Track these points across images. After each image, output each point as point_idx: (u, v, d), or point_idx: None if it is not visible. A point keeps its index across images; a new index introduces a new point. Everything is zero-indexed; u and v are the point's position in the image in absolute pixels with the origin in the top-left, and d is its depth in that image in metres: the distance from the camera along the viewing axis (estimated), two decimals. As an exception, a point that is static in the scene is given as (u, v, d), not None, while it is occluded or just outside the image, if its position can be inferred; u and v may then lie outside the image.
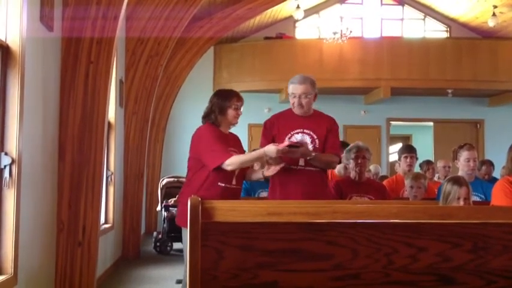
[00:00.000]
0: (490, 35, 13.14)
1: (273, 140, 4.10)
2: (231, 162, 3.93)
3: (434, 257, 2.21)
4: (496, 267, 2.23)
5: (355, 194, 4.61)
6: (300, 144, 3.95)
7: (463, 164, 4.86)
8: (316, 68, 11.70)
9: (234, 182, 4.08)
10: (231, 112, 4.10)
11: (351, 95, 12.83)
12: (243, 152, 4.25)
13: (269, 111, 12.28)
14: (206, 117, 4.17)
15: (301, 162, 4.07)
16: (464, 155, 4.85)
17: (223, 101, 4.10)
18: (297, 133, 4.13)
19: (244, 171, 4.17)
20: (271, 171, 4.01)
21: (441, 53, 12.17)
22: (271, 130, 4.19)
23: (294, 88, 4.12)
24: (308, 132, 4.13)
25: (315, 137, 4.12)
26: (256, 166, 5.10)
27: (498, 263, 2.23)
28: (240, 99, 4.15)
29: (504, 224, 2.30)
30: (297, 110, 4.17)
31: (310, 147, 4.09)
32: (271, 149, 3.88)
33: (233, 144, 4.16)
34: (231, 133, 4.25)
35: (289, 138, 4.08)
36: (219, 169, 3.96)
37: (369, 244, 2.20)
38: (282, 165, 3.97)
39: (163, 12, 7.87)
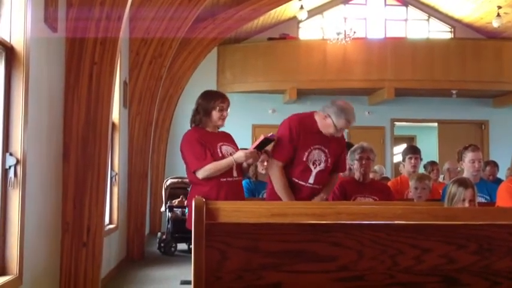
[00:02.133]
0: (494, 35, 13.10)
1: (294, 149, 4.12)
2: (204, 170, 4.01)
3: (439, 259, 2.21)
4: (501, 268, 2.22)
5: (359, 195, 4.60)
6: (268, 140, 4.00)
7: (468, 165, 4.85)
8: (320, 68, 11.70)
9: (235, 174, 4.13)
10: (215, 114, 4.16)
11: (355, 96, 12.77)
12: (237, 148, 4.27)
13: (273, 112, 12.29)
14: (192, 118, 4.23)
15: None
16: (469, 156, 4.84)
17: (208, 103, 4.17)
18: (315, 149, 4.19)
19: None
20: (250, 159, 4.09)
21: (445, 53, 12.15)
22: (298, 140, 4.16)
23: (347, 126, 4.17)
24: (324, 150, 4.20)
25: (329, 155, 4.21)
26: (262, 171, 5.14)
27: (503, 265, 2.22)
28: (224, 100, 4.20)
29: (509, 226, 2.29)
30: (330, 134, 4.18)
31: (323, 164, 4.16)
32: (239, 154, 4.03)
33: (225, 141, 4.21)
34: (221, 131, 4.31)
35: (309, 153, 4.14)
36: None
37: (374, 245, 2.20)
38: (260, 159, 4.12)
39: (166, 13, 7.87)
